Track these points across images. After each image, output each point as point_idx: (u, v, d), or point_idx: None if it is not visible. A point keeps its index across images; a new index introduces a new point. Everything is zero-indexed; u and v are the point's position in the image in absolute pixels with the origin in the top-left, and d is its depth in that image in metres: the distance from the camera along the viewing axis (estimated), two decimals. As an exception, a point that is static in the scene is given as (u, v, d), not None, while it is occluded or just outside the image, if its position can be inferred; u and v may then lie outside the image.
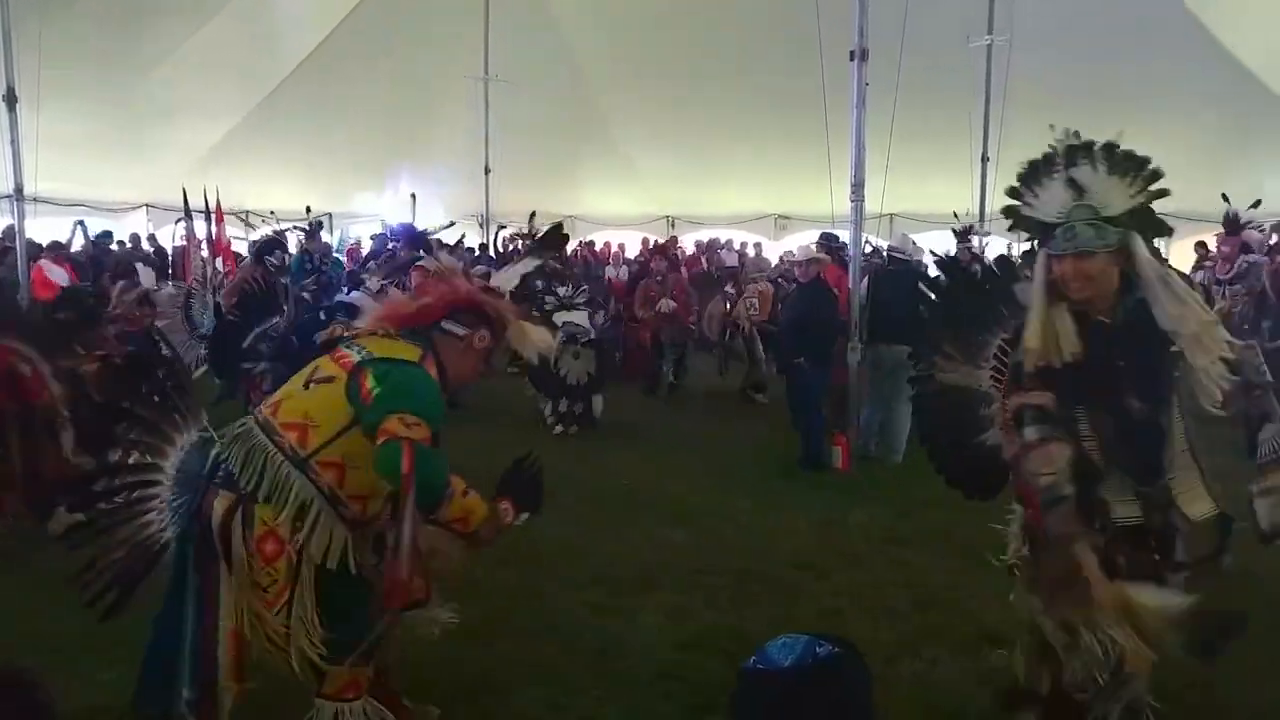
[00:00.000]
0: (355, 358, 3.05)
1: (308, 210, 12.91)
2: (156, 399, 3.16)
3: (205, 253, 9.65)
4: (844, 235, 8.83)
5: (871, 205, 8.44)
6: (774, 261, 16.36)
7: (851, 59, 7.97)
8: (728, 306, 11.44)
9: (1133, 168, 2.88)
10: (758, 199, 20.77)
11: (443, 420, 3.04)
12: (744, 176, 20.17)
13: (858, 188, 8.06)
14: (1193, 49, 14.95)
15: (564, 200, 21.88)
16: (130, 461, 3.09)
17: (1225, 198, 10.69)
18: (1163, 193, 2.88)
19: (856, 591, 5.10)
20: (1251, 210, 10.76)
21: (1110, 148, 2.88)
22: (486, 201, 19.28)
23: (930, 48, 12.85)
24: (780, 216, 20.87)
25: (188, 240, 9.58)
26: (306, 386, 3.11)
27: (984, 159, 14.38)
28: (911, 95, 9.31)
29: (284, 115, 18.76)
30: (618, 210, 22.48)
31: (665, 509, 6.65)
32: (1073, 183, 2.89)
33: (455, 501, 3.04)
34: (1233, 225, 10.30)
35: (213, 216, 9.72)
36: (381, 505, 3.08)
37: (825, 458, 7.89)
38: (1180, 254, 15.54)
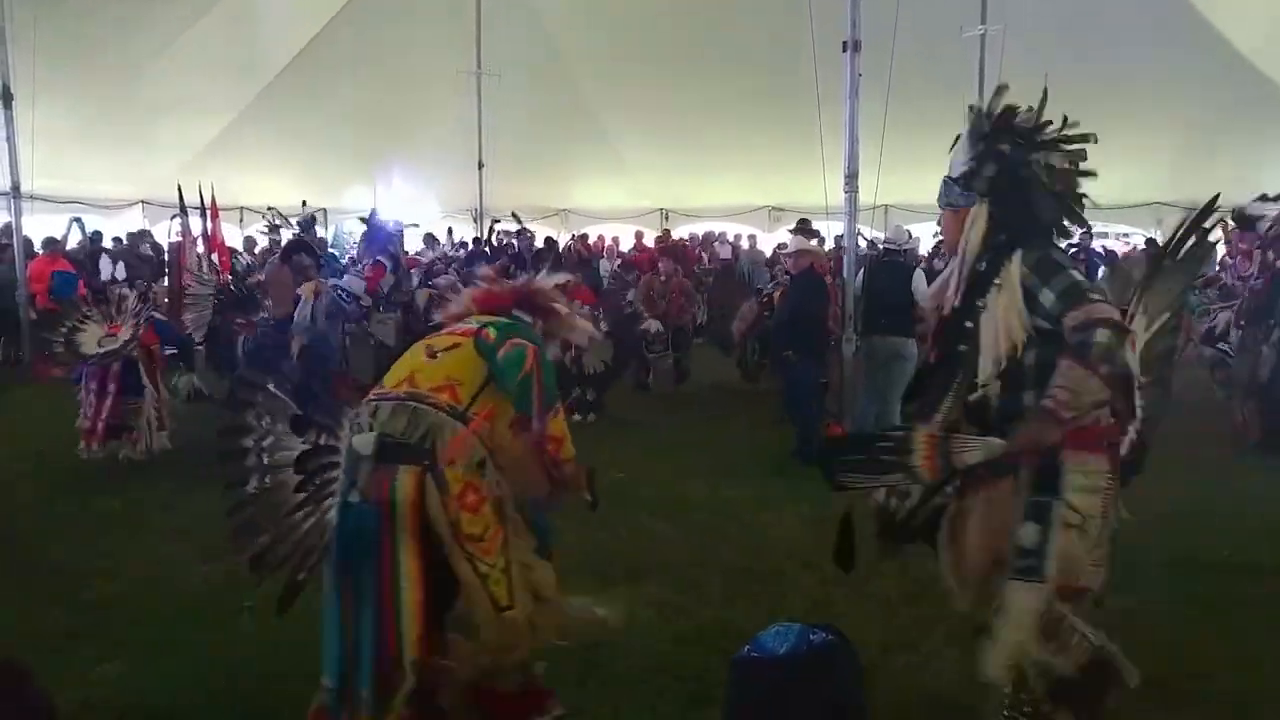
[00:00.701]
0: (472, 325, 3.36)
1: (304, 204, 12.85)
2: (329, 384, 3.31)
3: (201, 249, 9.64)
4: (838, 227, 8.82)
5: (865, 196, 8.44)
6: (767, 253, 16.32)
7: (844, 50, 7.98)
8: (762, 310, 11.04)
9: (977, 137, 3.18)
10: (751, 191, 20.71)
11: None
12: (737, 169, 20.08)
13: (851, 179, 8.07)
14: (1187, 35, 14.91)
15: (556, 194, 21.87)
16: (325, 443, 3.07)
17: (1265, 198, 10.34)
18: (995, 157, 3.15)
19: (849, 584, 5.10)
20: (1261, 203, 10.43)
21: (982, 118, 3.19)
22: (480, 195, 19.28)
23: (924, 38, 12.87)
24: (774, 208, 20.79)
25: (183, 236, 9.55)
26: (433, 356, 3.30)
27: (978, 149, 14.36)
28: (905, 86, 9.31)
29: (278, 111, 18.70)
30: (611, 203, 22.40)
31: (658, 502, 6.65)
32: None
33: (558, 419, 3.30)
34: (1243, 221, 9.90)
35: (208, 213, 9.70)
36: None
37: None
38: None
